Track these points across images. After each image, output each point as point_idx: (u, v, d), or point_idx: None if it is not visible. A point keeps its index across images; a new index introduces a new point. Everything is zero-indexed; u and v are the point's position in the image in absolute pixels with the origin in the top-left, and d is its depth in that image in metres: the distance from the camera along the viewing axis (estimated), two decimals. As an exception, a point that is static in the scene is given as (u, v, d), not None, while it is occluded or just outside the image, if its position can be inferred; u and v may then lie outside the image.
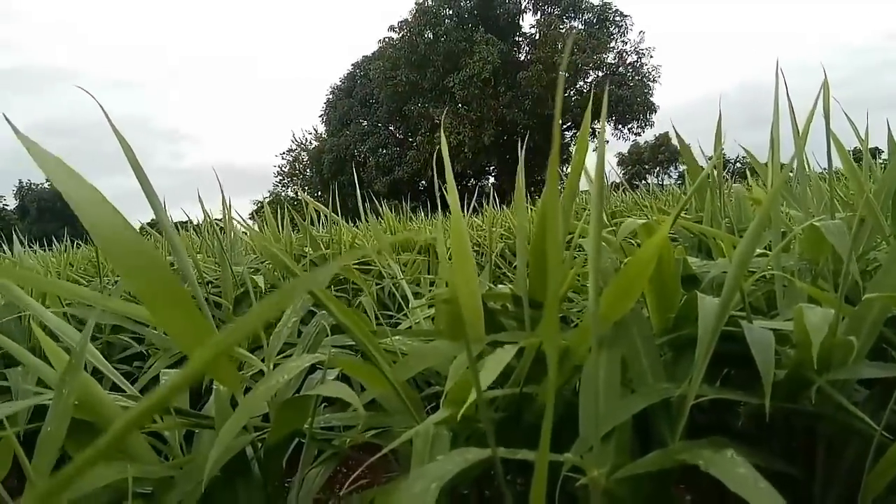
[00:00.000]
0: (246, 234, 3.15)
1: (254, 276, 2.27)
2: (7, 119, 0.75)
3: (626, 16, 30.02)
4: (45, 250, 4.72)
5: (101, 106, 0.85)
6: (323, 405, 1.06)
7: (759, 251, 1.28)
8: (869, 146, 1.57)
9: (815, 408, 0.72)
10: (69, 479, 0.28)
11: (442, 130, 1.16)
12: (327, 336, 1.25)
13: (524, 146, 1.35)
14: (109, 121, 0.83)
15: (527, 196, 1.20)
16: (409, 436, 0.71)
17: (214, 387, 0.92)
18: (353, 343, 1.19)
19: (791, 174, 1.40)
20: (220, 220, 2.88)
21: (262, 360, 0.96)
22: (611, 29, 30.04)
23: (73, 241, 4.91)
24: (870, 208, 1.22)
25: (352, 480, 1.36)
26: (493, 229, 2.79)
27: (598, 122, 0.75)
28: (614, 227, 2.15)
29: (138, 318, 1.52)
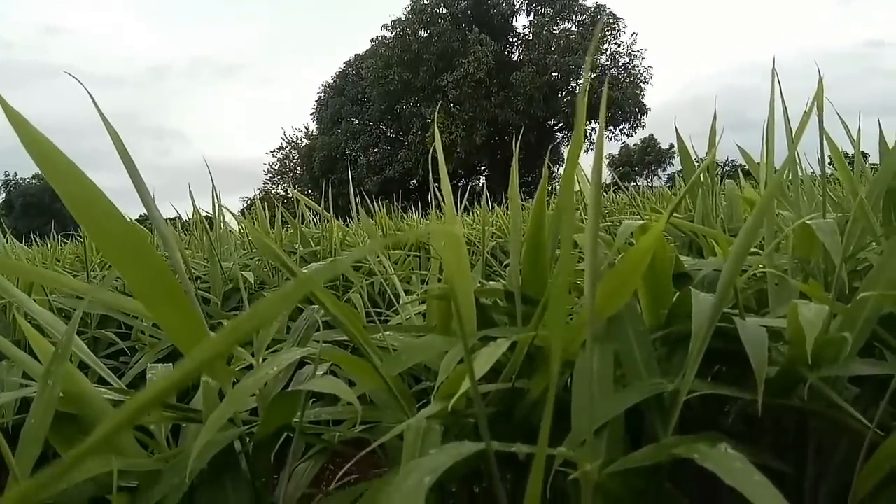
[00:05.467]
0: (232, 231, 3.12)
1: (243, 272, 2.25)
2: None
3: (619, 18, 30.15)
4: (29, 246, 4.66)
5: (94, 102, 0.83)
6: (312, 400, 1.05)
7: (750, 250, 1.28)
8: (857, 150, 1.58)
9: (807, 404, 0.72)
10: (54, 479, 0.27)
11: (435, 128, 1.15)
12: (318, 331, 1.24)
13: (517, 145, 1.35)
14: (103, 117, 0.81)
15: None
16: (399, 429, 0.70)
17: (202, 380, 0.91)
18: (342, 339, 1.19)
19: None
20: (209, 215, 2.86)
21: (252, 355, 0.95)
22: (604, 31, 30.13)
23: (59, 237, 4.86)
24: (861, 209, 1.23)
25: (340, 476, 1.34)
26: (486, 228, 2.79)
27: (594, 121, 0.74)
28: (607, 227, 2.16)
29: (128, 312, 1.50)
